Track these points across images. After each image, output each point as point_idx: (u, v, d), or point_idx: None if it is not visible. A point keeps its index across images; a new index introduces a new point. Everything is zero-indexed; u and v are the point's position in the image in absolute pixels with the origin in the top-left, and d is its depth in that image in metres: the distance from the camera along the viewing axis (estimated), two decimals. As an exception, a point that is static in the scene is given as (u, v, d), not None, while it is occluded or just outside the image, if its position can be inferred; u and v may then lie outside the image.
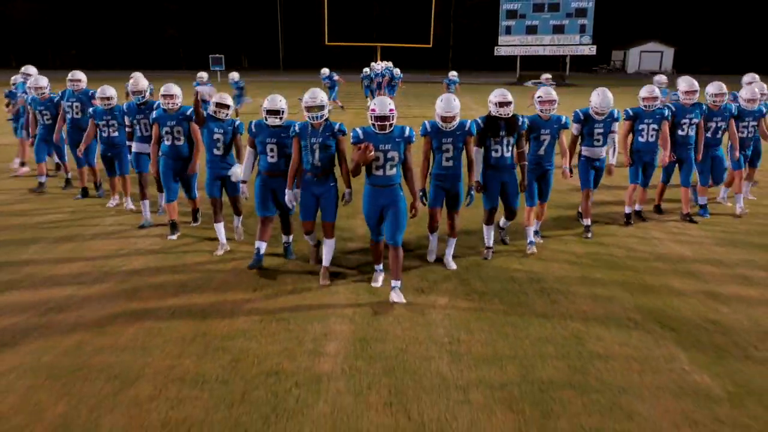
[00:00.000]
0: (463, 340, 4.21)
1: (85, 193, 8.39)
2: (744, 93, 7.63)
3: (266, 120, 5.38)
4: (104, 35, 65.77)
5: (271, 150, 5.43)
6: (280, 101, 5.43)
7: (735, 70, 23.07)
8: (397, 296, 4.88)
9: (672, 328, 4.42)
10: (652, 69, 54.15)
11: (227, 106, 5.99)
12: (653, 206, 7.78)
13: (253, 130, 5.46)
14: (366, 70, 21.81)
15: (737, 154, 7.51)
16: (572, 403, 3.45)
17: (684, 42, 59.74)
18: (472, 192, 5.54)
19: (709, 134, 7.37)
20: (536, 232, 6.47)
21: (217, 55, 40.00)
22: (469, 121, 5.42)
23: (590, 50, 39.46)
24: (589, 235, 6.65)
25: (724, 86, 7.37)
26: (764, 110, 7.67)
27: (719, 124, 7.37)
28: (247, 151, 5.59)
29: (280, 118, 5.40)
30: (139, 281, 5.33)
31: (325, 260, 5.43)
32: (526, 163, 5.88)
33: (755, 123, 7.66)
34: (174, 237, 6.57)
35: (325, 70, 20.40)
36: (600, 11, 40.74)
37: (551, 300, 4.95)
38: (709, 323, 4.52)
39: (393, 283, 4.96)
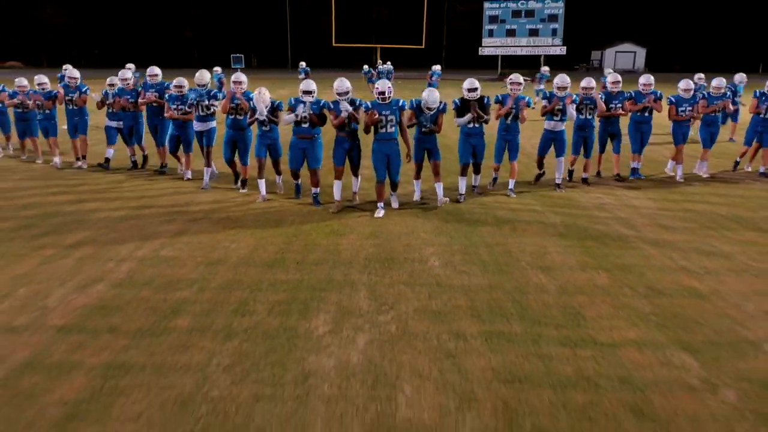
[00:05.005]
0: (430, 229, 6.04)
1: (162, 168, 9.47)
2: (681, 84, 9.03)
3: (302, 97, 7.01)
4: (125, 36, 66.95)
5: (305, 118, 7.08)
6: (311, 84, 7.09)
7: (703, 68, 25.24)
8: (394, 202, 7.25)
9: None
10: (626, 68, 55.78)
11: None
12: (596, 174, 9.23)
13: (293, 103, 7.08)
14: (365, 66, 28.01)
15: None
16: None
17: (655, 43, 61.38)
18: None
19: (638, 113, 9.03)
20: (511, 190, 7.84)
21: (238, 55, 41.68)
22: (441, 102, 7.14)
23: (561, 51, 41.69)
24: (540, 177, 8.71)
25: (651, 77, 9.02)
26: (699, 97, 9.17)
27: (647, 106, 8.99)
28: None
29: (312, 96, 7.04)
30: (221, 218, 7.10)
31: (355, 187, 7.51)
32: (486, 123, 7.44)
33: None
34: (237, 186, 8.20)
35: (302, 63, 23.76)
36: (579, 15, 42.40)
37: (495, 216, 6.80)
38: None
39: (391, 194, 7.25)
